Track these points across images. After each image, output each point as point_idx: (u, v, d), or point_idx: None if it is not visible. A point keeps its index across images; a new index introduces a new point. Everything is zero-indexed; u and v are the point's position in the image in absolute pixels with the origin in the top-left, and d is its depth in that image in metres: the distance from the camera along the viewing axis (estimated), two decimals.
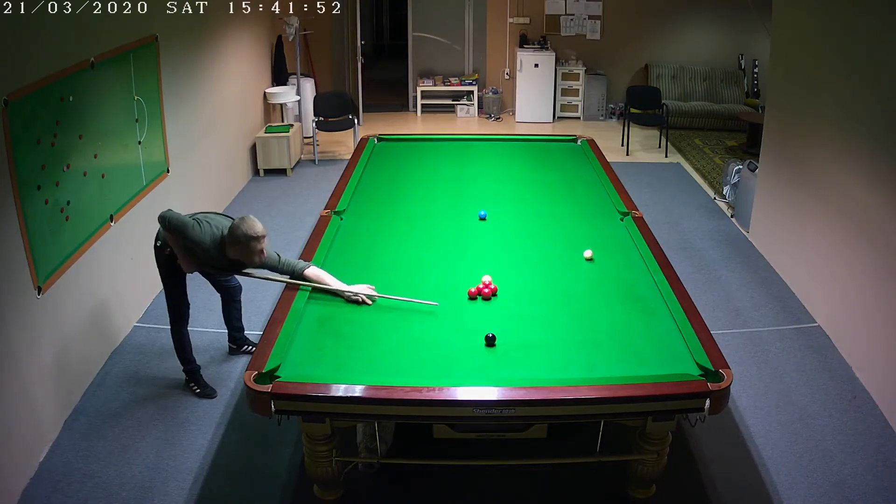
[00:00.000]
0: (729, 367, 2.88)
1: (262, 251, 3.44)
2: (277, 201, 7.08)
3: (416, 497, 3.44)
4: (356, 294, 3.38)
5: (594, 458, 3.17)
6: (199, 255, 3.60)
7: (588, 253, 3.85)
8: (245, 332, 4.54)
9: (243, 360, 4.44)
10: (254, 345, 4.17)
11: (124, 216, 4.63)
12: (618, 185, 4.83)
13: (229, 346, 4.56)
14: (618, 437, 3.20)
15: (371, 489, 3.45)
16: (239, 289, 4.38)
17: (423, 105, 10.35)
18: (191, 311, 4.06)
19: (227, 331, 4.51)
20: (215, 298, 4.36)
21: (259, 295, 5.14)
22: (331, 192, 4.75)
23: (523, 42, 10.01)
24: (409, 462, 3.48)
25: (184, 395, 4.12)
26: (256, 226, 3.41)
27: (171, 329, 4.05)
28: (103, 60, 4.29)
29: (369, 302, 3.37)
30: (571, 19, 10.11)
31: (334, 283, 3.45)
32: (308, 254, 3.82)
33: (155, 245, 3.86)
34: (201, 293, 5.18)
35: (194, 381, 4.16)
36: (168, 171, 5.36)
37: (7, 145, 3.36)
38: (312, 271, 3.48)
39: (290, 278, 3.50)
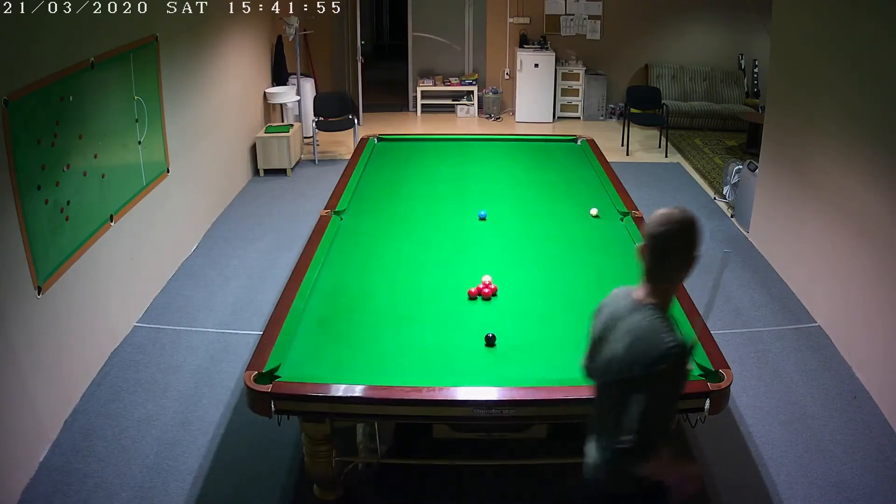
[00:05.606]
0: (729, 367, 2.88)
1: None
2: (277, 201, 7.08)
3: (416, 497, 3.43)
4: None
5: None
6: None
7: (594, 211, 4.33)
8: None
9: (243, 360, 4.43)
10: None
11: (124, 216, 4.63)
12: (618, 185, 4.83)
13: None
14: None
15: (371, 489, 3.44)
16: None
17: (423, 105, 10.34)
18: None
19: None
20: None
21: (260, 295, 5.14)
22: (331, 192, 4.75)
23: (523, 42, 10.00)
24: (409, 462, 3.47)
25: (184, 396, 4.12)
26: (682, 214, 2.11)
27: None
28: (103, 60, 4.29)
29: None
30: (571, 19, 10.11)
31: None
32: (308, 254, 3.82)
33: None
34: (201, 292, 5.19)
35: None
36: (168, 171, 5.35)
37: (7, 145, 3.36)
38: None
39: None
